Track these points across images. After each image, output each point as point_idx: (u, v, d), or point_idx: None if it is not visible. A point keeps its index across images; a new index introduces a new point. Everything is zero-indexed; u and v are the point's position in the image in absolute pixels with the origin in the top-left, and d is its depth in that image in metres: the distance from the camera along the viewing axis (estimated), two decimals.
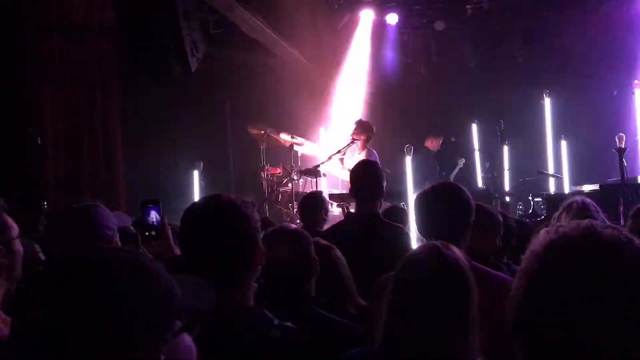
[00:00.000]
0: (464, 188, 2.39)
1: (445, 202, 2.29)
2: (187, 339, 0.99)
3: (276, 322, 1.69)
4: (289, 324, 1.70)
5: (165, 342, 0.94)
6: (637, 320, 0.96)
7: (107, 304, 0.90)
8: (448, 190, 2.38)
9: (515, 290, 1.03)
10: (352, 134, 7.26)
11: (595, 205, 3.57)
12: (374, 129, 7.35)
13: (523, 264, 1.04)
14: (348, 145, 7.23)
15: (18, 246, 1.92)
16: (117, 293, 0.90)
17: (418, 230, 2.36)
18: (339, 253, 2.49)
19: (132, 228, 2.91)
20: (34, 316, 0.89)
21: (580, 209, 3.42)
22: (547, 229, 1.06)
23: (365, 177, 3.48)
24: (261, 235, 1.80)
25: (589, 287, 0.96)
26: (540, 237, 1.04)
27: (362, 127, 7.26)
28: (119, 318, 0.89)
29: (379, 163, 7.20)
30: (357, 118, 7.59)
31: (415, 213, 2.40)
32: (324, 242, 2.50)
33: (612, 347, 0.96)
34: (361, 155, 7.18)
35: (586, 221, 1.04)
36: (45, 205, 5.64)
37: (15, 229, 1.93)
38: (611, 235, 1.00)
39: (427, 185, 2.52)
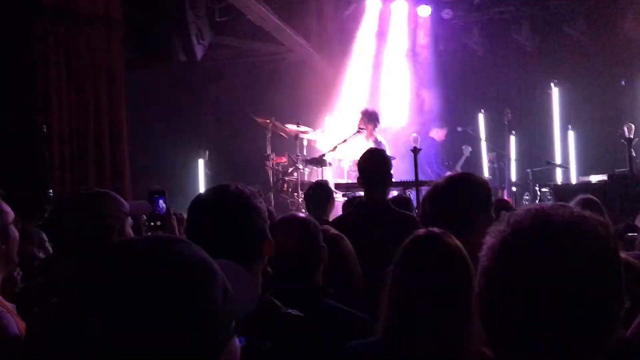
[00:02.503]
0: (478, 180, 2.34)
1: (460, 194, 2.24)
2: (235, 340, 0.94)
3: (283, 310, 1.68)
4: (295, 311, 1.69)
5: (225, 345, 0.87)
6: (602, 301, 0.94)
7: (178, 308, 0.81)
8: (457, 182, 2.33)
9: (478, 288, 1.01)
10: (358, 124, 7.24)
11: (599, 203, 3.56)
12: (379, 117, 7.34)
13: (482, 261, 1.01)
14: (354, 134, 7.21)
15: (14, 231, 1.92)
16: (190, 296, 0.82)
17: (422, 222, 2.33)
18: (347, 242, 2.48)
19: (144, 217, 2.91)
20: (99, 320, 0.81)
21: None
22: (500, 220, 1.02)
23: (373, 165, 3.46)
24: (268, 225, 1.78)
25: (551, 276, 0.93)
26: (494, 231, 1.01)
27: (368, 117, 7.25)
28: (191, 323, 0.81)
29: (387, 151, 7.23)
30: (363, 108, 7.57)
31: (424, 204, 2.37)
32: (332, 231, 2.49)
33: (580, 336, 0.94)
34: (369, 143, 7.18)
35: (537, 206, 1.01)
36: (50, 192, 5.64)
37: (11, 215, 1.92)
38: (562, 217, 0.97)
39: (433, 176, 2.49)
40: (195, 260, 0.86)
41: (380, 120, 7.40)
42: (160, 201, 2.40)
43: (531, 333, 0.95)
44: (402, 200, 4.60)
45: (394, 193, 5.67)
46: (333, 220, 3.90)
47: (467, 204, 2.18)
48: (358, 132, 7.25)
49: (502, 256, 0.98)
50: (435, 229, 1.76)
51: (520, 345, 0.96)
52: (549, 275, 0.94)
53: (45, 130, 6.06)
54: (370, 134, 7.32)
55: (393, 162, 3.72)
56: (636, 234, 3.03)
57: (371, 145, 7.21)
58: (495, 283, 0.98)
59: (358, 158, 3.72)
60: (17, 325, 1.87)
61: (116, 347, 0.79)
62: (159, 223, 2.40)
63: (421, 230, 1.80)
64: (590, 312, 0.94)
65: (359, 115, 7.37)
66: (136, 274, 0.82)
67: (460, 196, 2.20)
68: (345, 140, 7.20)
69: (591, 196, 3.61)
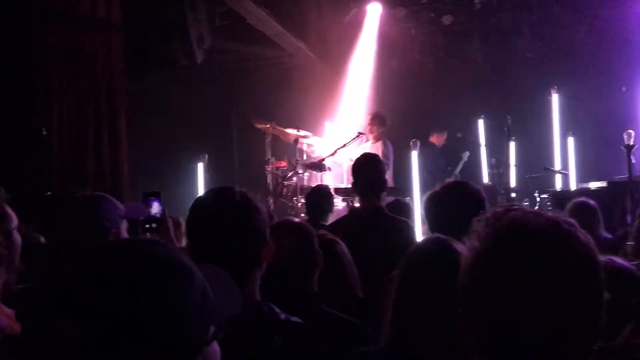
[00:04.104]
0: (476, 186, 2.37)
1: (457, 200, 2.26)
2: (214, 343, 0.93)
3: (283, 316, 1.67)
4: (295, 318, 1.68)
5: (203, 349, 0.87)
6: (581, 307, 0.94)
7: (155, 310, 0.80)
8: (460, 188, 2.36)
9: (461, 305, 1.01)
10: (368, 127, 7.27)
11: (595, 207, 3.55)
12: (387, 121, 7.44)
13: (461, 277, 1.01)
14: (354, 139, 7.22)
15: (17, 237, 1.91)
16: (164, 297, 0.81)
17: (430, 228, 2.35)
18: (343, 247, 2.47)
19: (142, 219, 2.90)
20: (73, 320, 0.81)
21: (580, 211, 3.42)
22: (473, 232, 1.02)
23: (366, 171, 3.46)
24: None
25: (529, 287, 0.93)
26: (470, 247, 1.00)
27: (380, 120, 7.33)
28: (167, 326, 0.81)
29: (392, 154, 7.26)
30: (373, 111, 7.60)
31: (427, 211, 2.38)
32: (328, 236, 2.48)
33: (562, 344, 0.93)
34: (376, 146, 7.22)
35: (509, 217, 1.00)
36: (49, 194, 5.64)
37: (14, 220, 1.91)
38: (536, 225, 0.96)
39: (433, 181, 2.52)
40: (171, 263, 0.85)
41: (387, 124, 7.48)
42: (155, 203, 2.38)
43: (515, 342, 0.94)
44: (399, 206, 4.60)
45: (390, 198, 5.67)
46: (328, 225, 3.90)
47: (463, 210, 2.19)
48: (357, 136, 7.25)
49: (479, 271, 0.97)
50: (442, 236, 1.75)
51: (505, 356, 0.95)
52: (528, 286, 0.93)
53: (44, 133, 6.07)
54: (379, 138, 7.34)
55: (390, 166, 3.72)
56: (633, 242, 3.02)
57: (379, 148, 7.23)
58: (475, 299, 0.98)
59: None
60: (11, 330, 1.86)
61: (89, 347, 0.79)
62: (154, 225, 2.38)
63: (429, 237, 1.80)
64: (571, 319, 0.93)
65: (368, 119, 7.41)
66: (110, 274, 0.82)
67: (457, 203, 2.22)
68: (345, 145, 7.20)
69: (586, 200, 3.60)
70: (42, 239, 3.23)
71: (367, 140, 7.43)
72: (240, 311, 0.98)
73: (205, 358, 0.88)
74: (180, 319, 0.82)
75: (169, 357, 0.81)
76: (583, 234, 0.98)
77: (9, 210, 1.91)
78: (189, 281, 0.85)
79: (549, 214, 1.01)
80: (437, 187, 2.46)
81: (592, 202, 3.64)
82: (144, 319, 0.80)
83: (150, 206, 2.34)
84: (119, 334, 0.79)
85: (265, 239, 1.71)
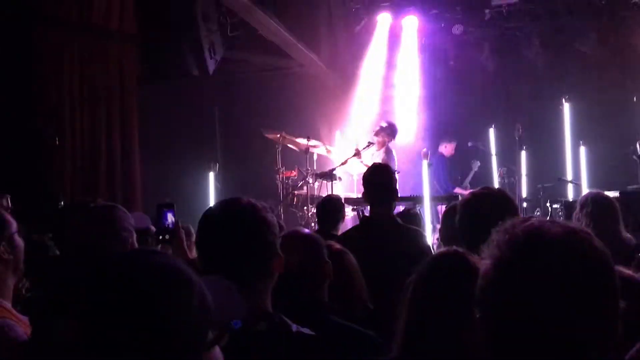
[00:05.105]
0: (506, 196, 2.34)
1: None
2: (217, 349, 0.95)
3: (295, 328, 1.66)
4: (307, 330, 1.67)
5: (200, 353, 0.90)
6: (598, 314, 0.95)
7: (150, 314, 0.84)
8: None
9: (480, 313, 1.03)
10: (378, 137, 7.29)
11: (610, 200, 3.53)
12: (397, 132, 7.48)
13: (480, 287, 1.03)
14: (364, 148, 7.23)
15: (19, 240, 1.94)
16: (159, 303, 0.85)
17: (442, 239, 2.33)
18: (351, 258, 2.47)
19: (153, 228, 2.91)
20: (72, 322, 0.84)
21: (595, 203, 3.40)
22: (492, 240, 1.04)
23: (376, 181, 3.46)
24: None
25: (548, 296, 0.95)
26: (489, 255, 1.02)
27: (390, 130, 7.36)
28: (162, 329, 0.84)
29: (397, 161, 7.27)
30: (384, 121, 7.62)
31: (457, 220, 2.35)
32: (337, 246, 2.48)
33: (578, 352, 0.94)
34: (379, 153, 7.23)
35: (527, 226, 1.02)
36: (62, 203, 5.68)
37: (14, 224, 1.95)
38: (554, 234, 0.98)
39: (442, 192, 2.50)
40: (170, 269, 0.89)
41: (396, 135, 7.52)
42: (169, 214, 2.40)
43: (533, 348, 0.95)
44: (410, 215, 4.59)
45: (400, 208, 5.66)
46: (339, 235, 3.90)
47: (487, 221, 2.17)
48: (368, 146, 7.27)
49: (499, 279, 0.99)
50: (459, 249, 1.74)
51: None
52: (545, 293, 0.95)
53: (57, 142, 6.12)
54: (383, 144, 7.35)
55: (400, 175, 3.72)
56: None
57: (382, 155, 7.24)
58: (494, 305, 0.99)
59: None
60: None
61: (88, 348, 0.82)
62: (167, 236, 2.40)
63: (445, 249, 1.79)
64: (588, 326, 0.95)
65: (378, 128, 7.43)
66: (110, 279, 0.86)
67: (485, 213, 2.18)
68: (355, 155, 7.21)
69: (602, 193, 3.60)
70: (54, 247, 3.26)
71: (379, 147, 7.45)
72: (243, 317, 1.00)
73: None
74: (181, 323, 0.85)
75: (165, 358, 0.83)
76: (599, 242, 1.00)
77: (7, 216, 1.95)
78: (188, 286, 0.88)
79: (565, 222, 1.03)
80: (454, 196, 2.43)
81: (609, 197, 3.64)
82: (145, 322, 0.83)
83: (164, 217, 2.36)
84: (117, 335, 0.82)
85: (275, 250, 1.70)
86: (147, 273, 0.87)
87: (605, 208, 3.49)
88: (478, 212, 2.25)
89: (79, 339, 0.82)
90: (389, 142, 7.40)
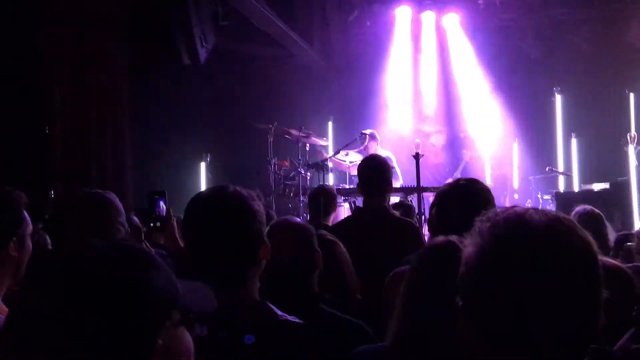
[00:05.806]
0: (482, 185, 2.30)
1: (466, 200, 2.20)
2: (187, 338, 0.97)
3: (282, 316, 1.67)
4: (293, 318, 1.68)
5: (163, 328, 0.93)
6: (583, 305, 0.95)
7: (121, 295, 0.88)
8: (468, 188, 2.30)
9: (461, 301, 1.03)
10: (366, 145, 7.32)
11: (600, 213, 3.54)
12: (378, 136, 7.49)
13: (462, 273, 1.03)
14: (355, 139, 7.24)
15: (29, 243, 1.90)
16: (132, 284, 0.89)
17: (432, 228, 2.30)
18: (342, 248, 2.46)
19: (136, 219, 2.90)
20: (44, 303, 0.87)
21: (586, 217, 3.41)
22: (475, 229, 1.03)
23: (372, 171, 3.44)
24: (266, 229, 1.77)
25: (532, 284, 0.95)
26: (472, 242, 1.02)
27: (370, 137, 7.37)
28: (130, 311, 0.88)
29: (393, 163, 7.28)
30: (363, 131, 7.58)
31: (438, 209, 2.33)
32: (327, 236, 2.48)
33: (563, 340, 0.95)
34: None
35: (512, 213, 1.01)
36: (52, 194, 5.66)
37: (30, 227, 1.91)
38: (539, 222, 0.98)
39: (434, 182, 2.48)
40: (136, 250, 0.95)
41: (378, 138, 7.52)
42: (161, 202, 2.40)
43: (515, 337, 0.96)
44: (403, 207, 4.60)
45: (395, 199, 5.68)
46: (332, 226, 3.89)
47: (474, 209, 2.15)
48: (360, 136, 7.29)
49: (482, 267, 0.99)
50: (454, 238, 1.74)
51: (505, 350, 0.96)
52: (528, 281, 0.95)
53: (47, 131, 6.08)
54: (376, 150, 7.36)
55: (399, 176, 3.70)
56: (633, 243, 3.02)
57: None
58: (477, 293, 0.99)
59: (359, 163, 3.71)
60: None
61: (58, 322, 0.85)
62: (158, 224, 2.40)
63: (439, 239, 1.79)
64: (570, 315, 0.95)
65: (365, 136, 7.46)
66: (80, 259, 0.92)
67: (468, 201, 2.16)
68: (347, 145, 7.22)
69: (591, 209, 3.58)
70: (49, 242, 3.23)
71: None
72: (215, 307, 1.03)
73: (172, 349, 0.92)
74: (145, 298, 0.89)
75: (124, 330, 0.86)
76: (582, 231, 1.00)
77: (27, 216, 1.91)
78: (153, 266, 0.93)
79: (550, 211, 1.03)
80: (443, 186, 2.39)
81: (595, 209, 3.62)
82: (110, 297, 0.87)
83: (156, 205, 2.35)
84: (87, 309, 0.86)
85: (261, 238, 1.69)
86: (115, 252, 0.93)
87: (592, 225, 3.47)
88: (445, 205, 2.23)
89: (53, 313, 0.86)
90: (376, 144, 7.44)
